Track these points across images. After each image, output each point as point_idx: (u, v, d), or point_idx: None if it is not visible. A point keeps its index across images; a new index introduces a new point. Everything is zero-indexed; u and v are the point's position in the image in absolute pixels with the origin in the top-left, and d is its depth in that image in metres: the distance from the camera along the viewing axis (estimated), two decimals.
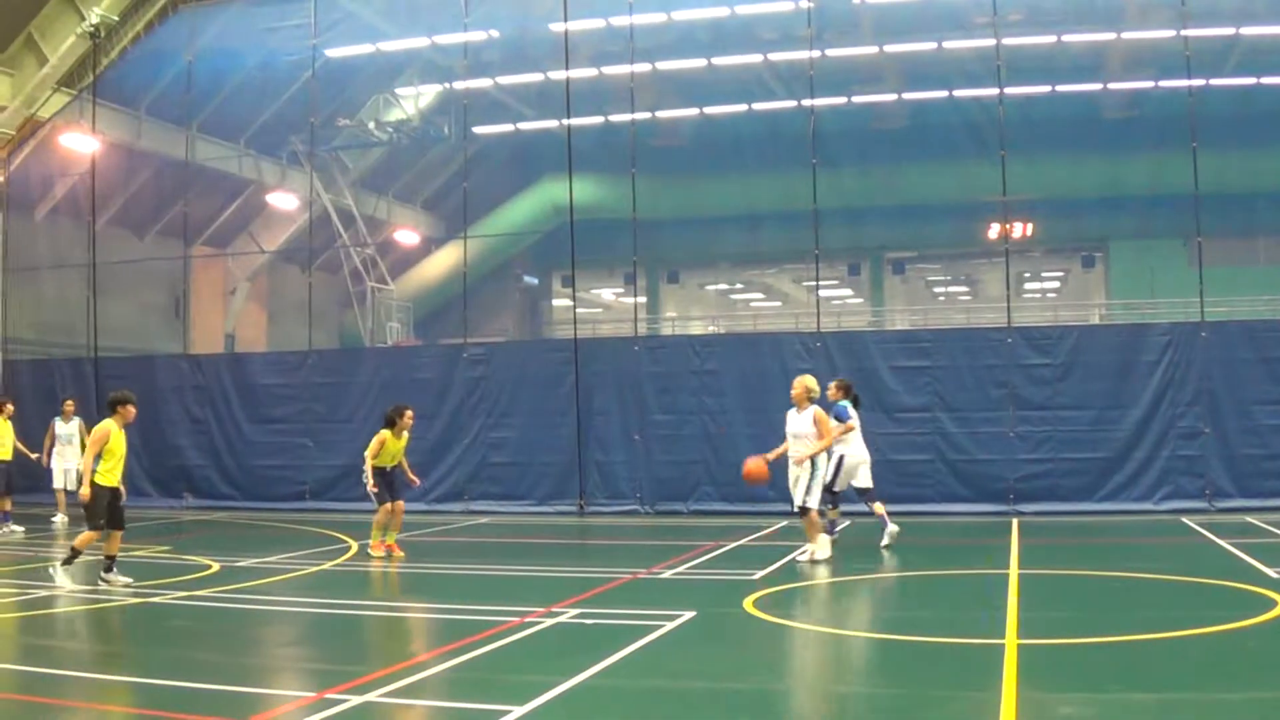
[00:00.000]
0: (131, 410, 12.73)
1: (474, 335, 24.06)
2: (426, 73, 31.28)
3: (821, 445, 13.59)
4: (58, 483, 20.20)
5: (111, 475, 12.45)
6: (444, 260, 36.06)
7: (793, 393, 13.88)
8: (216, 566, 14.08)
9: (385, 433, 15.02)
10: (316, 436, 22.84)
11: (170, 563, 14.73)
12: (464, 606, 11.19)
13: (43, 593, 12.13)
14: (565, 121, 23.49)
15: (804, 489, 13.51)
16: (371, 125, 32.47)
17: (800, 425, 13.66)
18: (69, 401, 20.97)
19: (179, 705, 7.23)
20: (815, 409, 13.71)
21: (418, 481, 15.79)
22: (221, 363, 25.39)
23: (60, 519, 19.98)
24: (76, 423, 20.24)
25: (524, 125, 31.72)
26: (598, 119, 26.95)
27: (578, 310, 23.50)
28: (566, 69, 23.61)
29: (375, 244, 35.54)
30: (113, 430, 12.47)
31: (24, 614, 11.15)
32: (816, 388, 13.95)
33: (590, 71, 26.13)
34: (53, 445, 20.21)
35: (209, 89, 27.09)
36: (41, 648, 9.74)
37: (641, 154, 23.35)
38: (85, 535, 12.41)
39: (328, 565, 14.47)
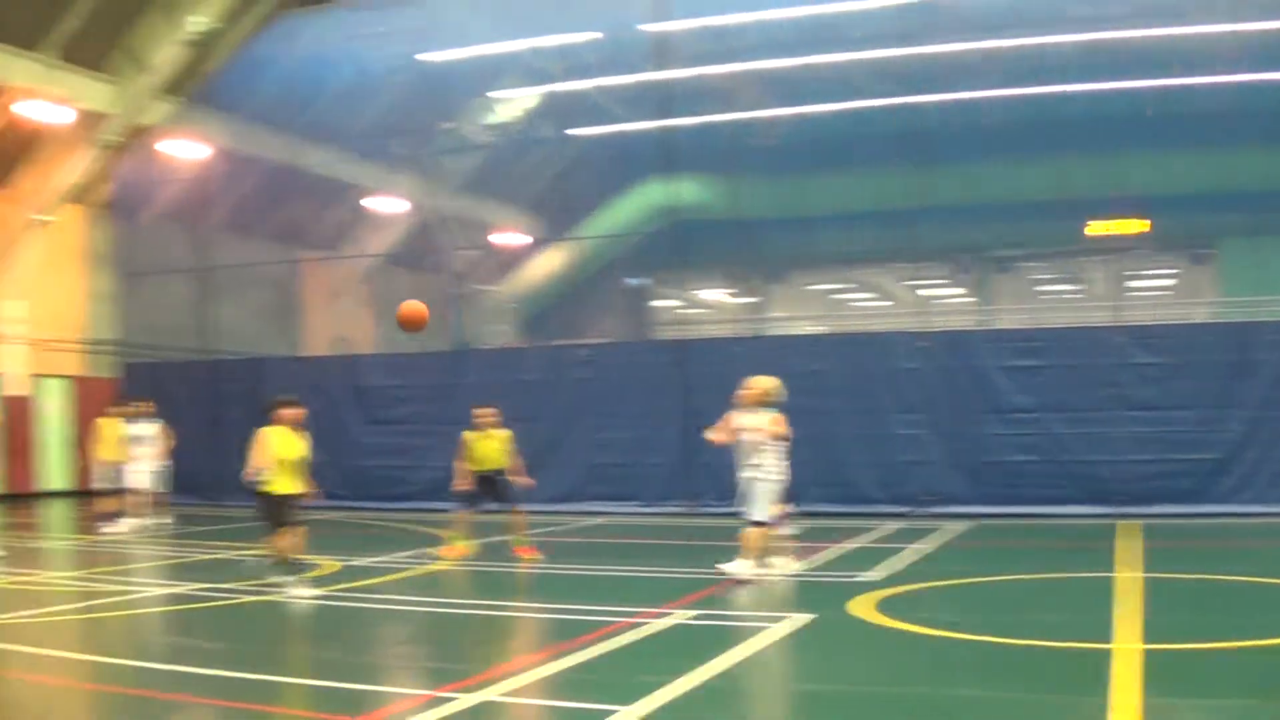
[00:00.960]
0: (289, 413, 12.74)
1: (579, 337, 24.20)
2: (525, 76, 31.54)
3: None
4: (130, 483, 19.94)
5: (281, 483, 12.34)
6: (548, 262, 36.33)
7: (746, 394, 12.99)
8: (334, 566, 14.40)
9: (467, 434, 15.22)
10: (426, 438, 23.13)
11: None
12: (576, 606, 11.27)
13: (156, 591, 12.52)
14: (665, 122, 23.56)
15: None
16: (473, 128, 32.81)
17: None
18: (144, 404, 21.03)
19: (293, 701, 7.44)
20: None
21: (530, 482, 15.72)
22: (332, 364, 25.90)
23: (132, 521, 19.61)
24: (152, 424, 20.30)
25: (623, 127, 31.87)
26: (698, 119, 26.97)
27: (682, 311, 23.50)
28: (663, 70, 23.68)
29: (480, 246, 35.92)
30: (274, 436, 12.46)
31: (142, 612, 11.54)
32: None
33: (689, 71, 26.16)
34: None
35: (311, 94, 27.59)
36: (164, 645, 10.09)
37: (743, 154, 23.30)
38: (283, 541, 12.31)
39: (440, 565, 14.71)
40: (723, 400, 13.31)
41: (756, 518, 12.45)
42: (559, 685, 8.09)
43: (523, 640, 10.57)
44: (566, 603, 11.59)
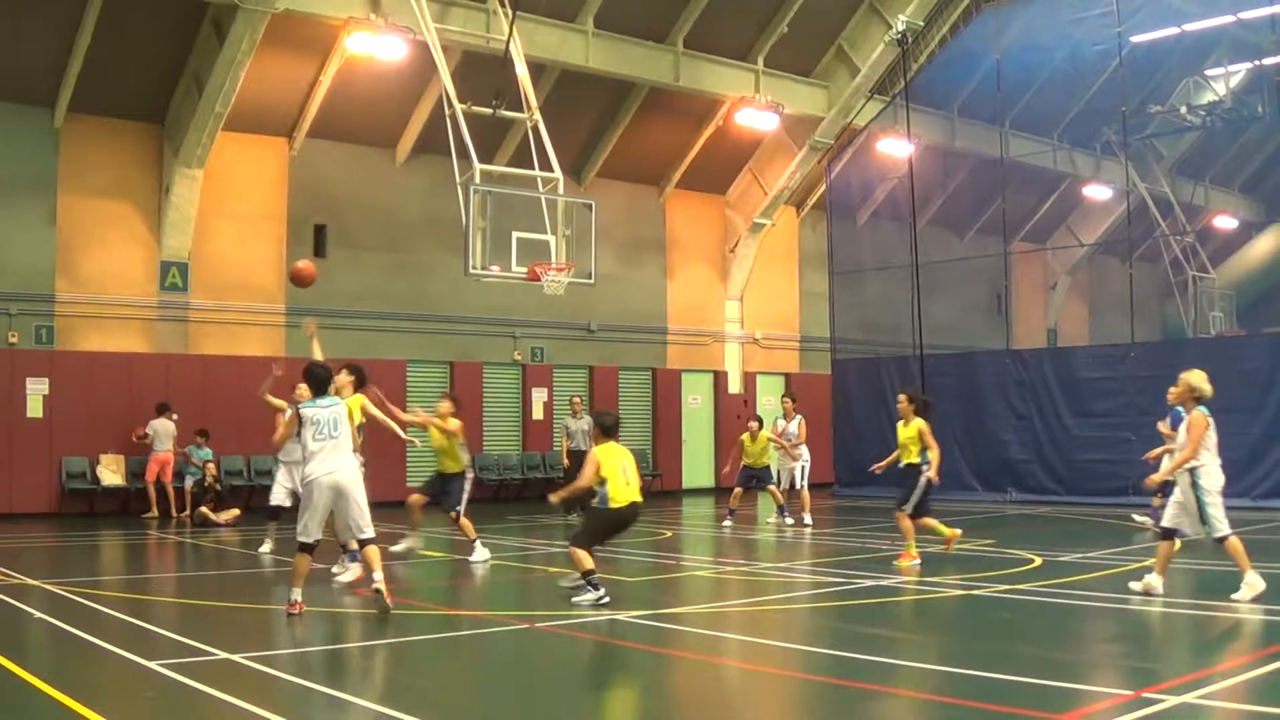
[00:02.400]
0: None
1: None
2: (1235, 51, 29.17)
3: None
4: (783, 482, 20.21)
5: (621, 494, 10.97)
6: (1266, 245, 33.38)
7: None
8: (1038, 561, 14.13)
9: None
10: (1139, 430, 22.02)
11: (993, 556, 15.03)
12: None
13: (868, 583, 12.93)
14: None
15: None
16: (1183, 110, 30.86)
17: None
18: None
19: (990, 696, 7.33)
20: None
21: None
22: (1044, 357, 25.49)
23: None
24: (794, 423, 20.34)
25: None
26: None
27: None
28: None
29: (1194, 231, 33.72)
30: (600, 452, 11.06)
31: (847, 603, 11.97)
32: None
33: None
34: None
35: (1018, 85, 27.31)
36: (861, 635, 10.39)
37: None
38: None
39: (1149, 562, 13.91)
40: None
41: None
42: (1267, 690, 7.37)
43: (1233, 641, 9.71)
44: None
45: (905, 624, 10.48)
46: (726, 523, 19.34)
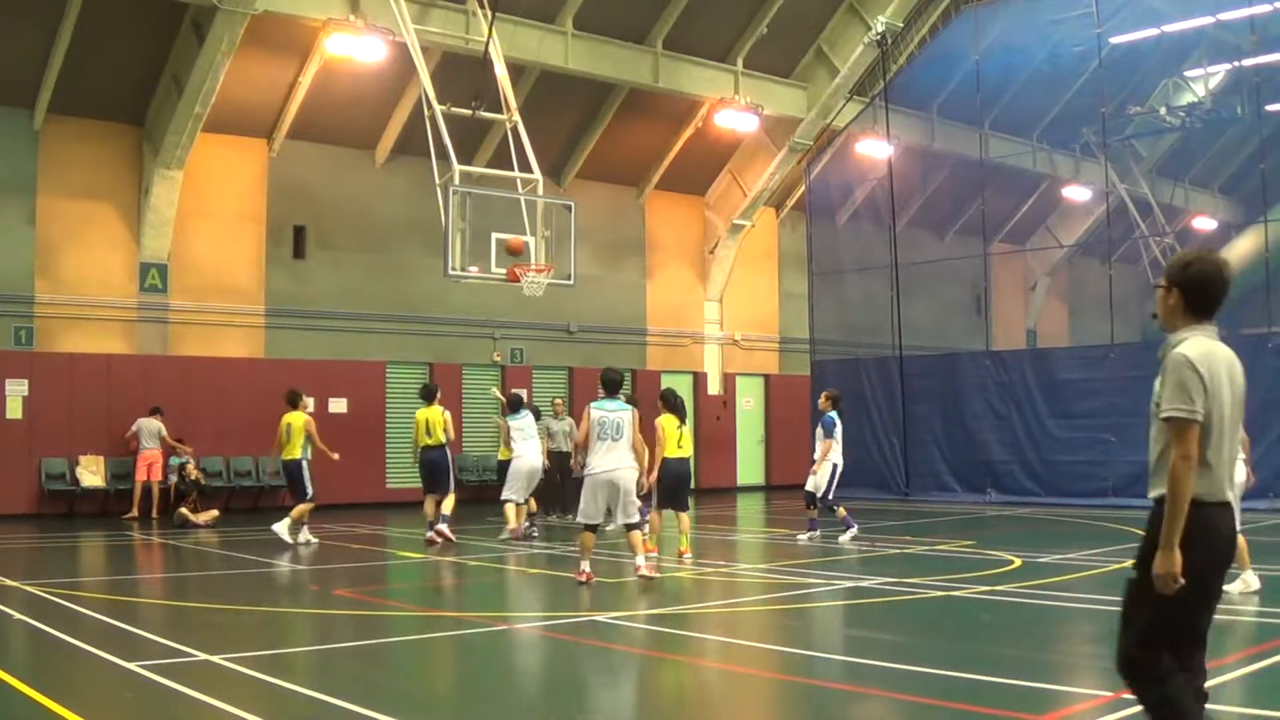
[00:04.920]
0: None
1: (1278, 325, 22.07)
2: (1214, 52, 29.34)
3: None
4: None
5: None
6: (1246, 246, 33.56)
7: None
8: (1018, 562, 14.19)
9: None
10: (1119, 432, 22.19)
11: (973, 557, 15.09)
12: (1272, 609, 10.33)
13: (847, 584, 12.96)
14: None
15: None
16: (1163, 111, 31.02)
17: None
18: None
19: (970, 697, 7.35)
20: None
21: None
22: (1024, 358, 25.59)
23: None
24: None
25: None
26: None
27: None
28: None
29: (1174, 232, 33.88)
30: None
31: (826, 604, 12.00)
32: None
33: None
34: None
35: (997, 86, 27.44)
36: (840, 636, 10.42)
37: None
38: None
39: (1129, 563, 13.97)
40: None
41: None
42: (1249, 689, 7.42)
43: (1220, 643, 9.76)
44: (1264, 605, 10.56)
45: (884, 625, 10.50)
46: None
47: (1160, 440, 4.87)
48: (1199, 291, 4.96)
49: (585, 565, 12.19)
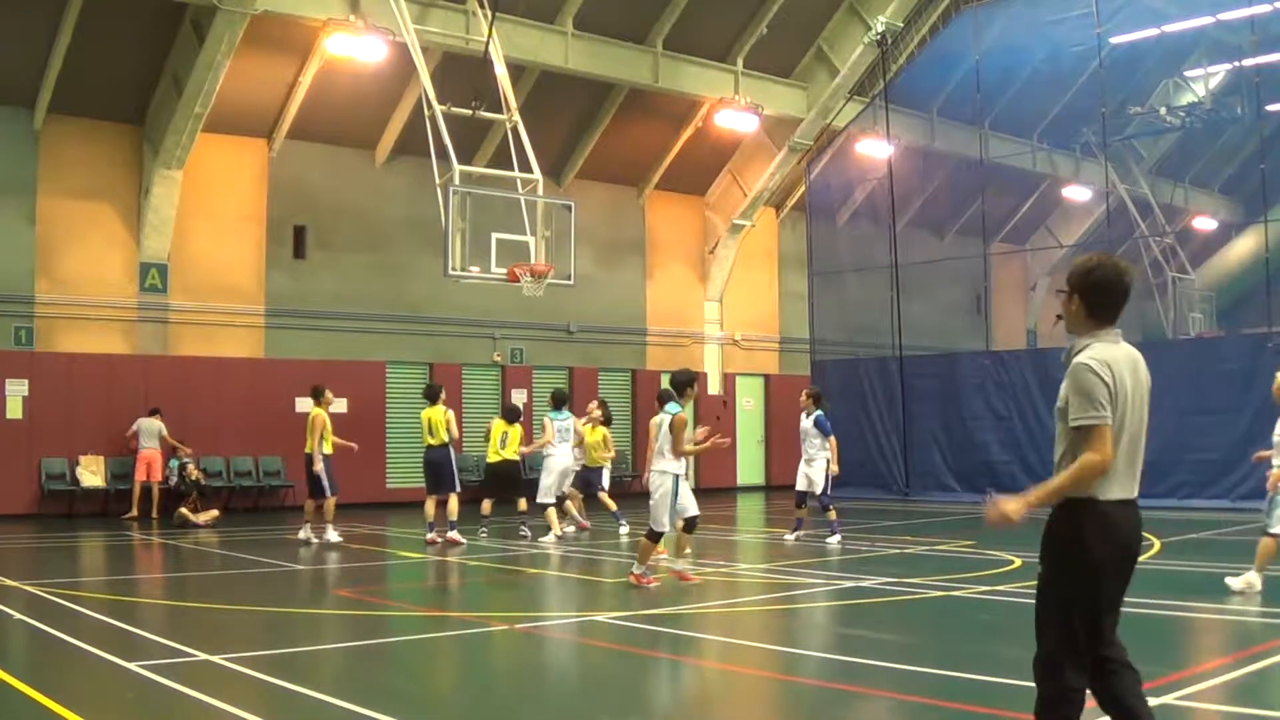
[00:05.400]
0: None
1: (1278, 325, 22.08)
2: (1214, 52, 29.38)
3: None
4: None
5: None
6: (1246, 246, 33.60)
7: None
8: (1018, 562, 14.17)
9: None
10: None
11: (973, 557, 15.08)
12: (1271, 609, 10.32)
13: (847, 584, 12.97)
14: None
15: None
16: (1163, 111, 31.06)
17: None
18: (597, 403, 18.97)
19: (970, 697, 7.35)
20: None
21: None
22: (1024, 358, 25.58)
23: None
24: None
25: None
26: None
27: None
28: None
29: (1174, 232, 33.93)
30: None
31: (826, 604, 12.00)
32: None
33: None
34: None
35: (997, 86, 27.42)
36: (840, 636, 10.42)
37: None
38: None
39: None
40: None
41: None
42: (1249, 689, 7.42)
43: (1216, 642, 9.77)
44: (1264, 605, 10.56)
45: (884, 625, 10.49)
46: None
47: (1063, 443, 5.03)
48: (1100, 297, 5.02)
49: (642, 568, 12.06)
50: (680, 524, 12.45)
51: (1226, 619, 10.39)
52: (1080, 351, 5.01)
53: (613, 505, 18.10)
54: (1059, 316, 5.22)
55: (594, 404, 18.81)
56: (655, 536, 12.10)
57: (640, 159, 28.28)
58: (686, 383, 12.51)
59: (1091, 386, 4.88)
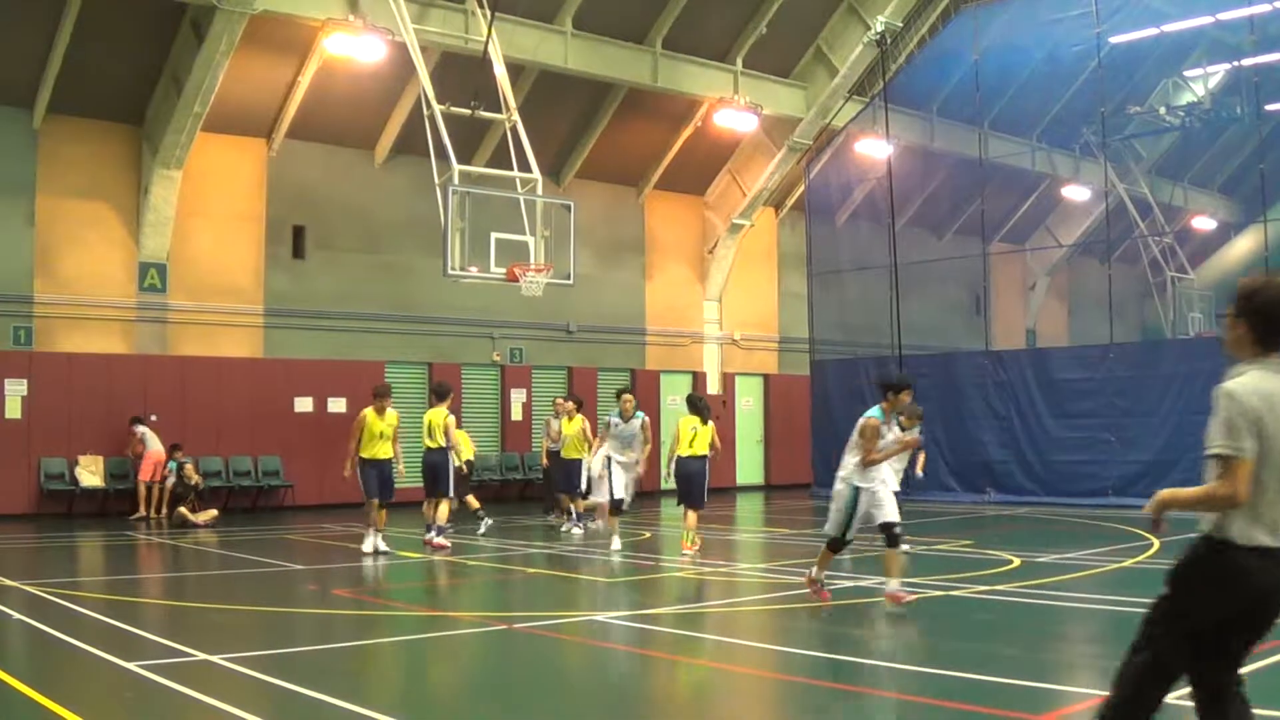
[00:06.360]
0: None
1: None
2: (1213, 52, 29.41)
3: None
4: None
5: None
6: (1245, 246, 33.63)
7: None
8: (1017, 562, 14.19)
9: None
10: (1119, 431, 22.24)
11: (972, 557, 15.09)
12: None
13: (847, 584, 12.97)
14: None
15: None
16: (1162, 110, 31.08)
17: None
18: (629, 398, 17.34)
19: (969, 697, 7.35)
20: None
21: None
22: (1023, 357, 25.59)
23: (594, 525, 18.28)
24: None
25: None
26: None
27: None
28: None
29: (1173, 232, 33.96)
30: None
31: (835, 603, 11.99)
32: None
33: None
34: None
35: (997, 86, 27.43)
36: (840, 635, 10.42)
37: None
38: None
39: (1128, 563, 14.03)
40: None
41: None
42: (1249, 689, 7.39)
43: None
44: None
45: (883, 625, 10.50)
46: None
47: (1210, 474, 4.56)
48: (1269, 322, 4.60)
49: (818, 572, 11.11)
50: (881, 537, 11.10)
51: None
52: (1231, 379, 4.60)
53: (580, 507, 18.20)
54: (1221, 340, 4.83)
55: (560, 399, 19.16)
56: (835, 545, 10.99)
57: (639, 159, 28.28)
58: (894, 387, 11.10)
59: (1232, 415, 4.47)
